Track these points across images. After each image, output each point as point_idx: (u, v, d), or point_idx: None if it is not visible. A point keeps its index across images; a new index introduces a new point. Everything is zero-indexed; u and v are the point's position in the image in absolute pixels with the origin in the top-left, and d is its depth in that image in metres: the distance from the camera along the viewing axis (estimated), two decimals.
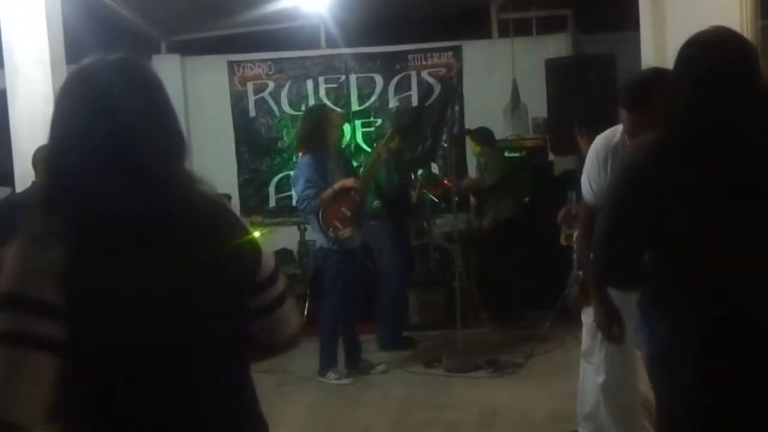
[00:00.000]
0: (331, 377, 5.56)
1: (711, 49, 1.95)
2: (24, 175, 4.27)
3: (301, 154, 5.77)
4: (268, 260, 1.64)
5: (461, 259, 6.34)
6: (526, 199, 7.09)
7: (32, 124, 4.40)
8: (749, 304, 1.89)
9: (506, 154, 7.36)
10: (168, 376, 1.43)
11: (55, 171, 1.47)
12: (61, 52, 4.73)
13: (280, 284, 1.67)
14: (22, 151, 4.44)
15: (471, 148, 7.32)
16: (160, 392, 1.43)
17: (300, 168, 5.57)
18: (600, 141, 3.28)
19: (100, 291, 1.36)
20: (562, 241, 3.91)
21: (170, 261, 1.42)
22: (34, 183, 3.73)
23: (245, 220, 1.68)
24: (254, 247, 1.59)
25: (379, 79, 8.55)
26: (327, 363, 5.61)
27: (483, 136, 7.11)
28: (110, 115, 1.44)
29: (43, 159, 1.51)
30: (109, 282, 1.36)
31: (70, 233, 1.37)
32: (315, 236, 5.78)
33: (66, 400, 1.37)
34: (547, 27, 8.50)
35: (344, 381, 5.57)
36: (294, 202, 5.52)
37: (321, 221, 5.46)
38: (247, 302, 1.57)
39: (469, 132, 7.42)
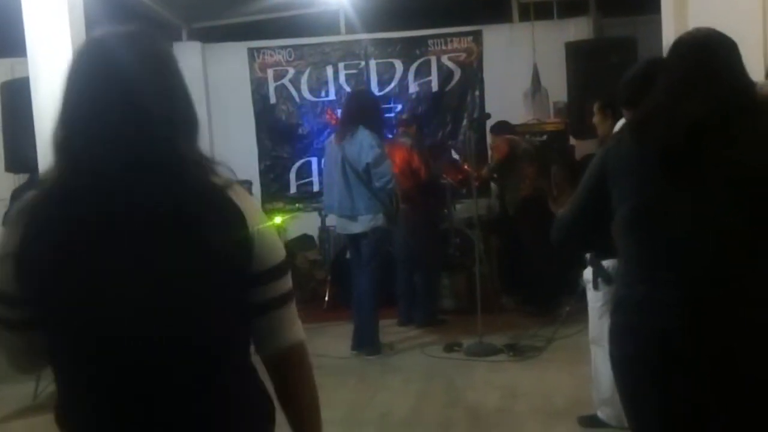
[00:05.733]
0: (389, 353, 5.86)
1: (689, 55, 2.12)
2: (47, 163, 4.32)
3: (362, 132, 5.60)
4: (270, 253, 1.45)
5: (481, 245, 6.34)
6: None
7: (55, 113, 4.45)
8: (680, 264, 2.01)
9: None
10: (148, 373, 1.36)
11: (64, 155, 1.48)
12: (83, 40, 4.77)
13: (283, 285, 1.48)
14: (45, 139, 4.49)
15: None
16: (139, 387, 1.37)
17: (378, 150, 5.58)
18: None
19: (54, 274, 1.34)
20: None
21: (145, 254, 1.35)
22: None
23: (256, 207, 1.50)
24: (246, 238, 1.41)
25: (399, 65, 8.54)
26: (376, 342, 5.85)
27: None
28: (123, 92, 1.38)
29: (53, 141, 1.50)
30: (63, 267, 1.34)
31: (26, 213, 1.38)
32: (366, 221, 5.65)
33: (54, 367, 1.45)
34: (568, 10, 8.44)
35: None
36: (377, 183, 5.57)
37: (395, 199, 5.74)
38: (237, 294, 1.43)
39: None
